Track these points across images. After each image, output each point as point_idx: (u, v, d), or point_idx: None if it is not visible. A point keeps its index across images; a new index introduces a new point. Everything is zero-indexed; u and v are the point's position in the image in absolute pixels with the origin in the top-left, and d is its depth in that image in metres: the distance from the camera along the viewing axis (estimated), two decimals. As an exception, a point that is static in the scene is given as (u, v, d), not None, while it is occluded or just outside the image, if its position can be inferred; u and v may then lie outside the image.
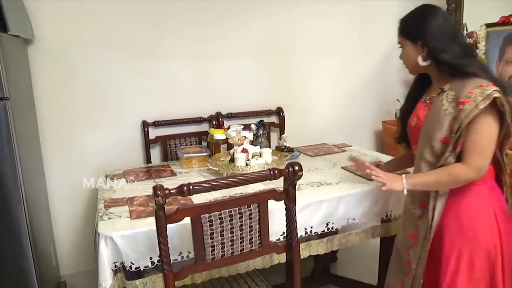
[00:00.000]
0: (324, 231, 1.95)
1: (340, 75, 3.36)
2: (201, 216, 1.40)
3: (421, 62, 1.62)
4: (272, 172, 1.45)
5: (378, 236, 2.16)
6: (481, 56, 3.06)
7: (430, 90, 1.71)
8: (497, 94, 1.42)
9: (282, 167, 1.51)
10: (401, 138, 1.89)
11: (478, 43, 3.11)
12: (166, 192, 1.30)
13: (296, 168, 1.48)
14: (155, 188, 1.30)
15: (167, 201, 1.32)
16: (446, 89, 1.57)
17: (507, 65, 2.95)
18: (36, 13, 2.49)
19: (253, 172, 1.47)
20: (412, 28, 1.63)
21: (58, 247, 2.80)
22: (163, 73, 2.84)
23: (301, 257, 1.94)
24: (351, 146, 2.90)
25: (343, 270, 2.86)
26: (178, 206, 1.39)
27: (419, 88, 1.78)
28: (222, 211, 1.43)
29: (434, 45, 1.57)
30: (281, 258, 1.86)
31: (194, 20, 2.85)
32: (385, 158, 2.53)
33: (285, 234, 1.74)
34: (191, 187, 1.33)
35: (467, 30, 3.31)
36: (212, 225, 1.43)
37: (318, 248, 1.99)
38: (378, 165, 2.01)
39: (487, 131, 1.47)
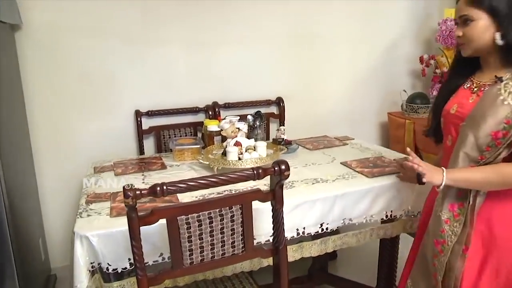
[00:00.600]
0: (318, 232, 1.83)
1: (344, 65, 3.23)
2: (178, 218, 1.30)
3: (499, 40, 1.39)
4: (255, 172, 1.33)
5: (377, 238, 2.03)
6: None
7: (479, 76, 1.53)
8: None
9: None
10: (431, 130, 1.69)
11: None
12: (137, 193, 1.19)
13: (283, 167, 1.36)
14: (125, 189, 1.20)
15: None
16: (505, 78, 1.39)
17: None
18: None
19: (235, 171, 1.34)
20: (494, 4, 1.39)
21: (49, 240, 2.74)
22: (157, 61, 2.74)
23: (293, 259, 1.84)
24: (353, 139, 2.76)
25: (342, 269, 2.75)
26: (153, 208, 1.29)
27: (460, 74, 1.59)
28: (201, 213, 1.32)
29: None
30: (270, 260, 1.75)
31: (191, 6, 2.74)
32: (388, 152, 2.41)
33: (270, 239, 1.63)
34: (164, 187, 1.22)
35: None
36: (190, 228, 1.32)
37: (311, 250, 1.87)
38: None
39: None
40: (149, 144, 2.79)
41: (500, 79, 1.39)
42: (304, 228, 1.79)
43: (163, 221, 1.31)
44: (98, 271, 1.58)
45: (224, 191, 1.74)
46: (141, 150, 2.73)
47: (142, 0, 2.63)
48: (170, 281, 1.62)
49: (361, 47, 3.23)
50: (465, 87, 1.55)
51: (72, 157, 2.68)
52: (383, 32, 3.27)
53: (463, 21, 1.44)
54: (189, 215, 1.31)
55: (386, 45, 3.30)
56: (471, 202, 1.43)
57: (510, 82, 1.36)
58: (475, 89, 1.49)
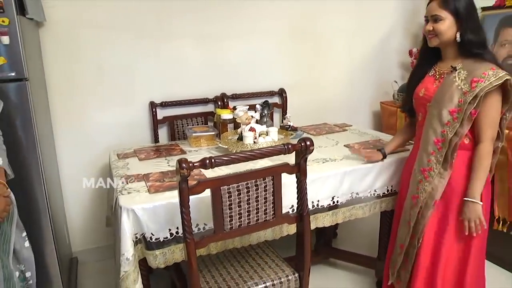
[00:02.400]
0: (330, 204, 2.07)
1: (340, 58, 3.45)
2: (221, 188, 1.51)
3: (458, 38, 1.77)
4: (286, 147, 1.56)
5: (379, 210, 2.28)
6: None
7: (440, 66, 1.91)
8: (508, 77, 1.69)
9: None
10: (407, 108, 2.08)
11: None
12: (190, 165, 1.40)
13: (308, 143, 1.59)
14: (180, 161, 1.40)
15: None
16: (459, 67, 1.79)
17: (501, 47, 3.05)
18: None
19: (268, 147, 1.57)
20: (460, 5, 1.75)
21: (70, 225, 2.89)
22: (170, 54, 2.90)
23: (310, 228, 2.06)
24: (351, 125, 3.01)
25: (345, 244, 2.99)
26: (199, 179, 1.50)
27: (427, 63, 1.96)
28: (239, 184, 1.54)
29: (471, 26, 1.75)
30: (290, 230, 1.98)
31: (200, 2, 2.90)
32: (384, 136, 2.66)
33: (294, 208, 1.85)
34: (213, 160, 1.43)
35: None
36: (231, 197, 1.53)
37: (324, 220, 2.10)
38: (380, 150, 2.18)
39: (496, 106, 1.75)
40: (162, 133, 2.97)
41: (454, 69, 1.80)
42: (318, 201, 2.03)
43: (199, 196, 1.53)
44: (142, 241, 1.77)
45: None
46: (155, 139, 2.91)
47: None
48: (205, 250, 1.83)
49: (356, 41, 3.46)
50: (430, 74, 1.94)
51: (90, 145, 2.83)
52: (376, 26, 3.50)
53: (434, 19, 1.80)
54: (230, 185, 1.52)
55: (378, 39, 3.53)
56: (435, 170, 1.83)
57: (462, 71, 1.77)
58: (438, 76, 1.90)
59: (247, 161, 1.53)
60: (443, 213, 1.87)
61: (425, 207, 1.86)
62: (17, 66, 1.97)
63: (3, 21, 1.90)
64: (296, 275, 1.81)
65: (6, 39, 1.92)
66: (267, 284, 1.75)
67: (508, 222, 2.55)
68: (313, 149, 1.60)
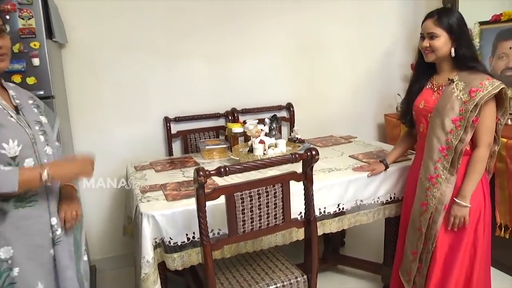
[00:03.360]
0: (336, 211, 2.20)
1: (345, 71, 3.60)
2: (234, 194, 1.65)
3: (453, 52, 1.92)
4: (293, 156, 1.70)
5: (383, 217, 2.40)
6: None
7: (436, 78, 2.05)
8: (503, 86, 1.84)
9: (301, 153, 1.76)
10: (407, 121, 2.21)
11: (473, 40, 3.34)
12: (207, 172, 1.55)
13: (314, 152, 1.73)
14: (197, 170, 1.55)
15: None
16: (456, 79, 1.93)
17: (499, 60, 3.18)
18: (70, 19, 2.70)
19: (277, 156, 1.71)
20: (453, 22, 1.90)
21: (88, 234, 3.03)
22: (182, 72, 3.07)
23: (317, 234, 2.18)
24: (356, 137, 3.14)
25: (351, 252, 3.09)
26: (215, 186, 1.64)
27: (423, 76, 2.11)
28: (251, 190, 1.68)
29: (464, 41, 1.91)
30: (299, 235, 2.10)
31: (210, 22, 3.08)
32: (387, 147, 2.78)
33: (302, 214, 1.98)
34: (227, 168, 1.58)
35: (463, 27, 3.55)
36: (243, 202, 1.68)
37: (331, 226, 2.23)
38: (381, 161, 2.31)
39: (492, 113, 1.89)
40: (176, 147, 3.12)
41: (452, 81, 1.94)
42: (325, 208, 2.16)
43: (214, 203, 1.68)
44: (161, 245, 1.91)
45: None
46: (170, 152, 3.06)
47: (168, 18, 2.98)
48: (219, 253, 1.96)
49: (360, 56, 3.61)
50: (427, 87, 2.08)
51: (108, 158, 2.97)
52: (379, 41, 3.66)
53: (430, 36, 1.94)
54: (243, 192, 1.66)
55: (381, 54, 3.68)
56: (442, 176, 1.95)
57: (459, 82, 1.90)
58: (435, 88, 2.03)
59: (258, 169, 1.67)
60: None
61: (435, 212, 1.97)
62: (45, 85, 2.16)
63: (34, 45, 2.09)
64: (305, 277, 1.93)
65: (36, 61, 2.11)
66: (278, 285, 1.88)
67: (510, 228, 2.65)
68: (318, 158, 1.74)
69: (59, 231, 1.51)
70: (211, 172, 1.56)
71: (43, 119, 1.58)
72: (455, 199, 1.92)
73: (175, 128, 3.08)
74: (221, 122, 3.21)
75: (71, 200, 1.60)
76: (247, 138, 2.73)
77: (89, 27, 2.81)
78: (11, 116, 1.43)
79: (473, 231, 1.97)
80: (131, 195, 2.34)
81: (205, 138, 3.09)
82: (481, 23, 3.31)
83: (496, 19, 3.21)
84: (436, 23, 1.93)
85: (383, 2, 3.63)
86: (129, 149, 3.03)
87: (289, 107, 3.37)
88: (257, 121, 2.77)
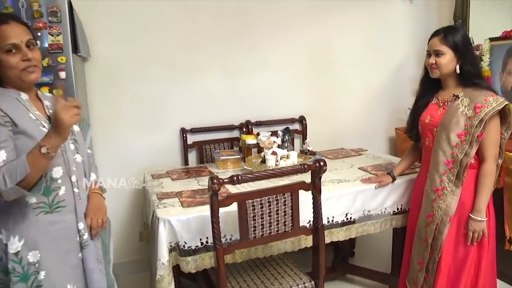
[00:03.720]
0: (343, 220, 2.28)
1: (356, 86, 3.69)
2: (246, 201, 1.75)
3: (458, 69, 2.02)
4: (303, 166, 1.80)
5: (390, 227, 2.48)
6: (485, 68, 3.37)
7: (442, 94, 2.14)
8: (506, 102, 1.93)
9: (310, 163, 1.85)
10: (413, 135, 2.29)
11: (483, 55, 3.42)
12: (221, 180, 1.65)
13: (322, 163, 1.82)
14: (211, 178, 1.65)
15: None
16: (461, 95, 2.02)
17: (509, 76, 3.25)
18: (93, 34, 2.86)
19: (288, 166, 1.81)
20: (458, 41, 2.00)
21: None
22: (199, 85, 3.20)
23: (325, 242, 2.26)
24: (367, 150, 3.23)
25: (360, 263, 3.16)
26: (228, 194, 1.74)
27: (429, 92, 2.19)
28: (262, 198, 1.78)
29: (468, 59, 2.01)
30: (308, 242, 2.18)
31: (226, 37, 3.22)
32: (396, 159, 2.86)
33: (310, 223, 2.07)
34: (240, 177, 1.68)
35: (473, 43, 3.62)
36: (255, 209, 1.78)
37: (339, 235, 2.31)
38: (389, 173, 2.39)
39: (496, 128, 1.97)
40: (192, 157, 3.24)
41: (457, 97, 2.03)
42: (333, 217, 2.24)
43: (226, 210, 1.78)
44: (176, 249, 2.01)
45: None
46: (186, 162, 3.18)
47: (186, 33, 3.12)
48: (230, 257, 2.06)
49: (371, 71, 3.71)
50: (433, 102, 2.16)
51: (126, 167, 3.10)
52: (390, 57, 3.75)
53: (436, 53, 2.03)
54: (254, 200, 1.76)
55: (392, 69, 3.77)
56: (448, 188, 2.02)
57: (464, 98, 1.97)
58: (441, 103, 2.11)
59: (269, 178, 1.77)
60: (457, 226, 2.04)
61: (441, 224, 2.03)
62: (70, 97, 2.28)
63: (61, 59, 2.24)
64: (312, 283, 2.02)
65: (63, 74, 2.27)
66: (286, 289, 1.97)
67: (519, 242, 2.69)
68: (326, 169, 1.84)
69: (86, 236, 1.59)
70: (225, 180, 1.67)
71: (75, 127, 1.68)
72: (471, 215, 1.98)
73: (191, 138, 3.20)
74: (235, 133, 3.32)
75: (98, 207, 1.70)
76: (260, 150, 2.84)
77: (111, 41, 2.96)
78: (44, 126, 1.53)
79: (479, 245, 2.03)
80: (148, 202, 2.46)
81: (219, 149, 3.20)
82: (492, 39, 3.38)
83: (506, 36, 3.28)
84: (442, 41, 2.02)
85: (394, 18, 3.73)
86: (147, 158, 3.15)
87: (301, 120, 3.47)
88: (270, 133, 2.88)
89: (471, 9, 3.61)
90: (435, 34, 2.08)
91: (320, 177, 1.86)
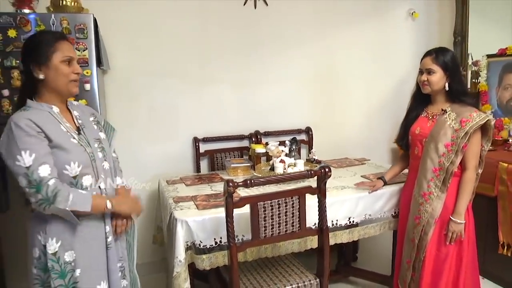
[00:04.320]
0: (347, 223, 2.45)
1: (360, 99, 3.89)
2: (258, 203, 1.93)
3: (446, 87, 2.23)
4: (309, 172, 1.98)
5: (389, 229, 2.65)
6: (482, 83, 3.55)
7: (431, 108, 2.34)
8: (488, 118, 2.16)
9: (316, 169, 2.03)
10: (404, 144, 2.48)
11: (481, 71, 3.60)
12: (235, 183, 1.83)
13: (327, 169, 2.00)
14: (227, 181, 1.83)
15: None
16: (448, 110, 2.23)
17: (505, 91, 3.43)
18: (111, 48, 3.04)
19: (295, 172, 1.99)
20: (448, 61, 2.22)
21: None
22: (210, 97, 3.40)
23: (330, 244, 2.42)
24: (369, 160, 3.40)
25: (362, 266, 3.31)
26: (241, 197, 1.92)
27: (419, 106, 2.40)
28: (272, 201, 1.95)
29: (456, 78, 2.23)
30: (313, 244, 2.35)
31: (236, 52, 3.42)
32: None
33: (316, 225, 2.23)
34: (252, 180, 1.86)
35: (472, 59, 3.81)
36: (265, 211, 1.95)
37: (342, 237, 2.48)
38: (380, 178, 2.59)
39: (478, 141, 2.19)
40: (203, 164, 3.42)
41: (445, 111, 2.24)
42: (337, 220, 2.41)
43: (238, 212, 1.95)
44: (192, 248, 2.18)
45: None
46: (198, 169, 3.36)
47: (198, 47, 3.32)
48: (242, 256, 2.22)
49: (374, 84, 3.90)
50: (423, 115, 2.37)
51: (141, 173, 3.24)
52: (392, 71, 3.94)
53: (428, 71, 2.24)
54: (265, 202, 1.94)
55: (394, 83, 3.95)
56: (435, 193, 2.22)
57: (451, 113, 2.18)
58: (430, 117, 2.32)
59: (278, 183, 1.96)
60: (440, 228, 2.23)
61: (427, 225, 2.22)
62: (94, 107, 2.50)
63: (87, 72, 2.43)
64: (317, 280, 2.18)
65: (88, 86, 2.47)
66: (293, 286, 2.14)
67: (512, 247, 2.85)
68: (330, 175, 2.02)
69: (110, 238, 1.74)
70: (239, 184, 1.85)
71: (102, 135, 1.85)
72: (451, 217, 2.17)
73: (203, 147, 3.38)
74: (245, 143, 3.51)
75: (124, 196, 1.87)
76: (269, 158, 3.02)
77: (128, 56, 3.15)
78: (74, 138, 1.68)
79: (458, 243, 2.22)
80: (163, 205, 2.64)
81: (230, 157, 3.37)
82: (489, 56, 3.57)
83: (502, 53, 3.47)
84: (433, 61, 2.24)
85: (397, 34, 3.94)
86: (160, 166, 3.33)
87: (308, 130, 3.65)
88: (279, 142, 3.06)
89: (470, 26, 3.81)
90: (428, 54, 2.29)
91: (325, 182, 2.04)
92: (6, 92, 2.37)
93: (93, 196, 1.64)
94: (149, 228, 3.27)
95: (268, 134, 3.52)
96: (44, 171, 1.53)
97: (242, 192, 2.35)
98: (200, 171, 3.36)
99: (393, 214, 2.60)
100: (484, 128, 2.17)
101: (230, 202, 1.88)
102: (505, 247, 2.87)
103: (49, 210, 1.55)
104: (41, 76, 1.63)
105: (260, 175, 2.73)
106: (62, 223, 1.62)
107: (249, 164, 3.02)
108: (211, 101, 3.41)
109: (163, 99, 3.30)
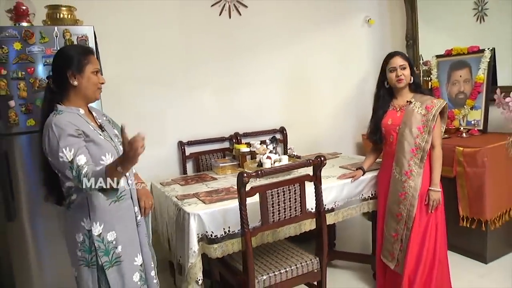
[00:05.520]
0: (333, 207, 2.76)
1: (327, 99, 4.25)
2: (266, 191, 2.18)
3: (412, 80, 2.66)
4: (308, 161, 2.27)
5: (367, 210, 2.99)
6: (434, 80, 4.00)
7: (396, 102, 2.74)
8: (445, 102, 2.64)
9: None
10: (377, 138, 2.80)
11: (432, 70, 4.05)
12: (249, 174, 2.08)
13: (322, 158, 2.30)
14: (240, 173, 2.08)
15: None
16: (413, 101, 2.64)
17: (453, 86, 3.89)
18: (102, 58, 3.17)
19: (295, 162, 2.26)
20: (410, 59, 2.70)
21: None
22: (192, 102, 3.61)
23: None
24: (341, 153, 3.74)
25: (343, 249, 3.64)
26: (252, 186, 2.17)
27: (383, 103, 2.78)
28: (278, 188, 2.22)
29: (415, 73, 2.70)
30: (306, 227, 2.61)
31: (217, 59, 3.67)
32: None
33: (313, 209, 2.50)
34: (263, 171, 2.12)
35: (423, 59, 4.26)
36: (273, 198, 2.21)
37: (329, 219, 2.72)
38: (359, 168, 2.92)
39: (439, 123, 2.63)
40: (189, 166, 3.61)
41: (410, 102, 2.65)
42: (325, 205, 2.69)
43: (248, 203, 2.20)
44: (204, 239, 2.39)
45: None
46: (184, 171, 3.55)
47: (182, 56, 3.53)
48: (254, 241, 2.44)
49: (340, 84, 4.29)
50: (391, 109, 2.74)
51: None
52: (354, 72, 4.34)
53: (402, 68, 2.62)
54: (272, 190, 2.20)
55: (356, 82, 4.35)
56: (415, 171, 2.59)
57: (416, 102, 2.62)
58: (398, 108, 2.71)
59: (283, 172, 2.22)
60: (420, 200, 2.59)
61: (412, 198, 2.58)
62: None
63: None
64: (317, 258, 2.46)
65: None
66: (297, 265, 2.41)
67: (470, 219, 3.26)
68: (326, 163, 2.31)
69: (139, 217, 2.02)
70: (252, 175, 2.10)
71: (116, 131, 2.09)
72: (430, 188, 2.56)
73: (188, 150, 3.58)
74: (225, 144, 3.75)
75: (146, 194, 2.15)
76: (253, 156, 3.27)
77: (116, 65, 3.27)
78: (100, 134, 1.91)
79: (434, 215, 2.61)
80: (162, 206, 2.86)
81: (214, 158, 3.59)
82: (438, 56, 4.03)
83: (448, 53, 3.93)
84: (403, 58, 2.65)
85: (357, 39, 4.38)
86: (148, 170, 3.42)
87: (282, 130, 3.95)
88: (260, 142, 3.33)
89: (419, 30, 4.27)
90: (396, 54, 2.69)
91: (321, 170, 2.33)
92: (12, 103, 2.47)
93: (106, 166, 1.75)
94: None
95: (246, 135, 3.78)
96: (81, 160, 1.74)
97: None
98: (186, 173, 3.55)
99: (370, 196, 2.94)
100: (441, 112, 2.60)
101: (243, 192, 2.12)
102: (465, 220, 3.29)
103: (93, 191, 1.76)
104: (75, 83, 1.86)
105: (250, 172, 2.98)
106: (103, 210, 1.86)
107: (236, 163, 3.26)
108: (194, 106, 3.63)
109: (149, 105, 3.46)
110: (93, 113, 2.03)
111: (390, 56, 2.69)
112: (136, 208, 2.01)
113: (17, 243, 2.61)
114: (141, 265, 1.98)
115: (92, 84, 1.89)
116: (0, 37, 2.41)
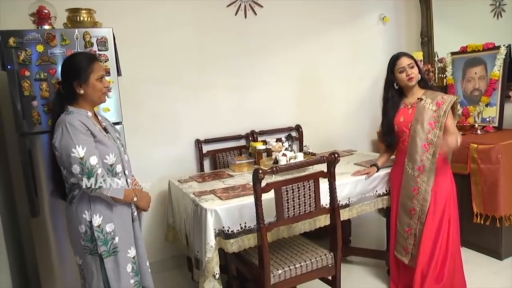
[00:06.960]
0: (347, 203, 2.81)
1: (342, 96, 4.28)
2: (281, 188, 2.24)
3: (420, 77, 2.73)
4: (322, 158, 2.32)
5: (382, 206, 3.02)
6: (449, 77, 4.00)
7: (407, 100, 2.79)
8: (455, 98, 2.72)
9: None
10: (391, 138, 2.85)
11: (447, 67, 4.05)
12: (265, 171, 2.13)
13: (336, 155, 2.34)
14: (256, 169, 2.14)
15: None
16: (424, 97, 2.68)
17: (468, 83, 3.88)
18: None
19: (309, 159, 2.31)
20: (415, 58, 2.75)
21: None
22: (209, 101, 3.68)
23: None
24: (356, 150, 3.77)
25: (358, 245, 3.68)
26: (267, 183, 2.23)
27: (394, 103, 2.82)
28: (293, 185, 2.27)
29: (420, 70, 2.73)
30: (321, 223, 2.66)
31: (231, 59, 3.73)
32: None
33: (327, 205, 2.55)
34: (277, 167, 2.17)
35: (438, 57, 4.26)
36: (288, 194, 2.26)
37: (343, 215, 2.79)
38: (374, 165, 2.96)
39: (451, 115, 2.68)
40: (206, 164, 3.69)
41: (421, 99, 2.71)
42: (339, 201, 2.74)
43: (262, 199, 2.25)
44: (221, 234, 2.45)
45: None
46: (201, 169, 3.62)
47: (197, 57, 3.60)
48: (269, 237, 2.49)
49: (353, 83, 4.31)
50: (402, 107, 2.80)
51: (147, 176, 3.43)
52: (369, 71, 4.34)
53: (410, 67, 2.70)
54: (287, 186, 2.25)
55: (371, 80, 4.35)
56: (428, 167, 2.62)
57: (427, 99, 2.67)
58: (409, 106, 2.77)
59: (298, 168, 2.27)
60: (434, 194, 2.63)
61: (425, 193, 2.63)
62: (117, 113, 2.75)
63: (110, 81, 2.65)
64: (332, 253, 2.51)
65: (111, 94, 2.69)
66: (312, 260, 2.45)
67: (484, 216, 3.26)
68: (339, 160, 2.35)
69: (135, 213, 2.19)
70: (267, 171, 2.15)
71: (117, 134, 2.25)
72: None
73: (205, 148, 3.65)
74: (242, 142, 3.81)
75: (141, 192, 2.27)
76: (269, 154, 3.33)
77: (133, 65, 3.34)
78: (105, 135, 2.08)
79: (447, 210, 2.64)
80: (178, 202, 2.92)
81: (230, 156, 3.66)
82: (453, 53, 4.02)
83: (463, 50, 3.92)
84: (410, 57, 2.74)
85: (371, 38, 4.37)
86: (165, 168, 3.56)
87: (297, 128, 4.00)
88: (276, 139, 3.38)
89: (434, 27, 4.27)
90: (401, 55, 2.77)
91: (335, 167, 2.37)
92: (35, 103, 2.57)
93: (126, 189, 2.06)
94: (159, 228, 3.50)
95: (262, 133, 3.84)
96: (94, 160, 1.93)
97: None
98: (203, 171, 3.62)
99: (384, 192, 2.98)
100: (452, 107, 2.64)
101: (258, 188, 2.18)
102: (479, 217, 3.29)
103: (94, 193, 1.95)
104: (82, 92, 2.03)
105: (266, 169, 3.04)
106: (103, 203, 2.02)
107: (252, 160, 3.32)
108: (211, 105, 3.69)
109: (165, 104, 3.53)
110: (99, 116, 2.20)
111: (396, 57, 2.75)
112: (133, 206, 2.18)
113: (40, 238, 2.71)
114: (133, 257, 2.14)
115: (97, 90, 2.08)
116: (24, 40, 2.51)
